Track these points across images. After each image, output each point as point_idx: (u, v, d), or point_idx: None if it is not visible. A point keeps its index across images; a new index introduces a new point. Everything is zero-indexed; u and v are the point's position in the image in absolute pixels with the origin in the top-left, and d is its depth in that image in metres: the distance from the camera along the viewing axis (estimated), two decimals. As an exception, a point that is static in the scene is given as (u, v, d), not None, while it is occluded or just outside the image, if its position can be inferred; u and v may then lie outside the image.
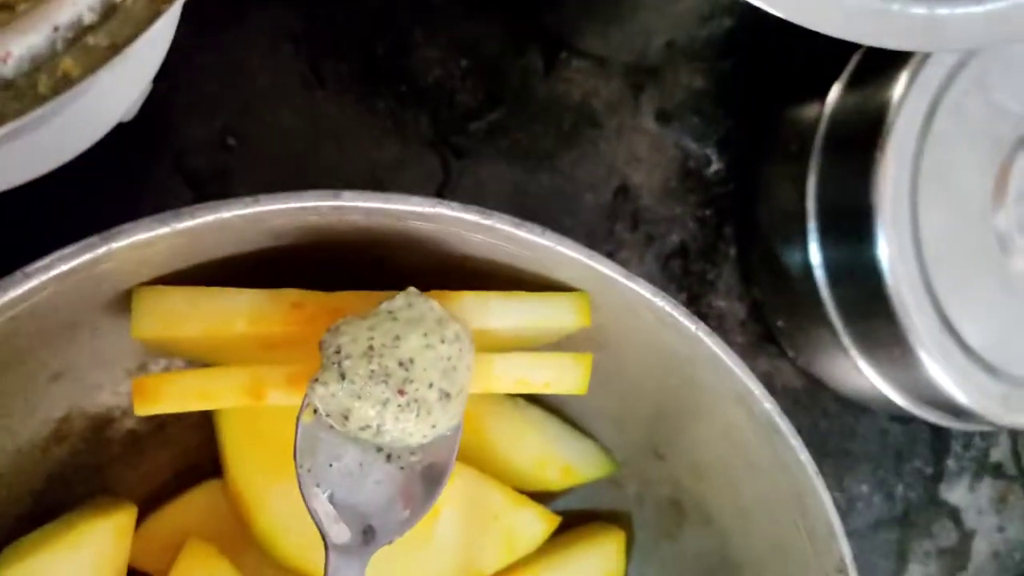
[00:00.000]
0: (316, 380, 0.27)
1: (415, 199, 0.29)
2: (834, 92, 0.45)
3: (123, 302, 0.30)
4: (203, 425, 0.36)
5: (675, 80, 0.47)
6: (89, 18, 0.19)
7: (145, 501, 0.36)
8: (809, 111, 0.46)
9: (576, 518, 0.39)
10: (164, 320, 0.28)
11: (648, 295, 0.31)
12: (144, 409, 0.29)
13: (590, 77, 0.45)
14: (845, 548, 0.32)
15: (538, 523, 0.36)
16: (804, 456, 0.33)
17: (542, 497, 0.38)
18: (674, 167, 0.47)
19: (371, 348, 0.27)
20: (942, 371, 0.43)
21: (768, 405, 0.33)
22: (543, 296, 0.31)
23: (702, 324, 0.32)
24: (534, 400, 0.38)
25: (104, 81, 0.33)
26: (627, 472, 0.39)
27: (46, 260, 0.26)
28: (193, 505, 0.36)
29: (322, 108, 0.41)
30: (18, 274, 0.25)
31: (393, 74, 0.42)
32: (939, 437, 0.52)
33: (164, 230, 0.26)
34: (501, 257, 0.32)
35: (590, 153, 0.46)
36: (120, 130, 0.36)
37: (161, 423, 0.37)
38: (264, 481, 0.33)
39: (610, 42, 0.44)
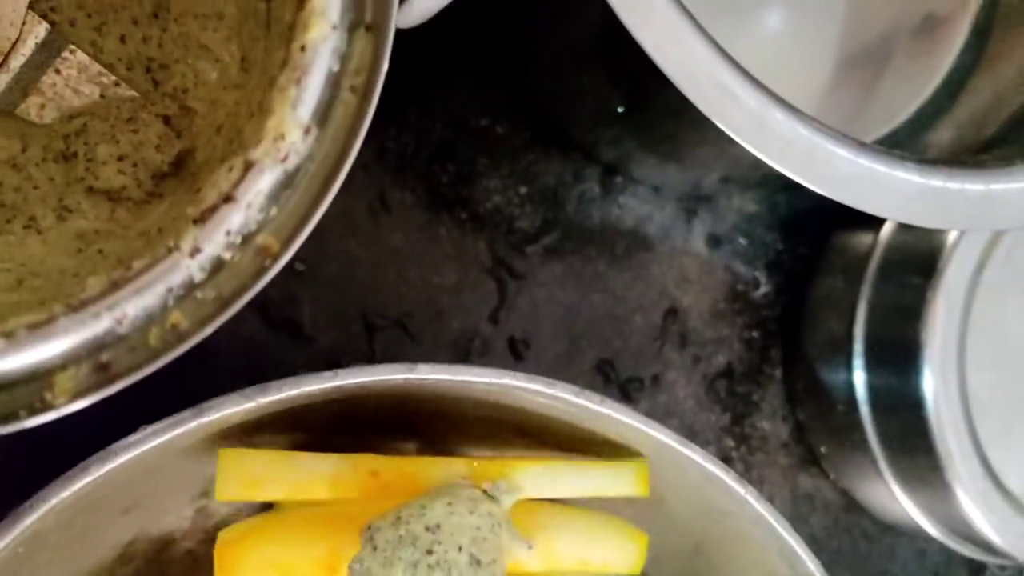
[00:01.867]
0: (352, 560, 0.29)
1: (483, 371, 0.30)
2: (889, 225, 0.46)
3: (199, 450, 0.31)
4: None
5: (727, 205, 0.48)
6: (199, 276, 0.20)
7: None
8: (862, 241, 0.47)
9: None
10: (247, 484, 0.29)
11: (699, 460, 0.33)
12: None
13: (644, 203, 0.47)
14: None
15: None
16: None
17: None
18: (723, 289, 0.48)
19: (399, 518, 0.29)
20: (980, 513, 0.43)
21: (812, 566, 0.34)
22: (605, 466, 0.32)
23: (751, 488, 0.33)
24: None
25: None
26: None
27: (136, 436, 0.27)
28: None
29: (386, 235, 0.43)
30: (109, 451, 0.27)
31: (455, 202, 0.44)
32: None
33: (250, 405, 0.28)
34: (562, 415, 0.33)
35: (642, 275, 0.47)
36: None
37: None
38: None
39: (666, 175, 0.45)
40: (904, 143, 0.44)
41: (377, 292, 0.43)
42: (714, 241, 0.48)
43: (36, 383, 0.19)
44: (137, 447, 0.27)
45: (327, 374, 0.28)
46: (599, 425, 0.33)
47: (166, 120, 0.28)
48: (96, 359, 0.20)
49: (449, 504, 0.29)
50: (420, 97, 0.43)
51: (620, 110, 0.42)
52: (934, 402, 0.43)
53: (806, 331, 0.49)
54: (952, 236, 0.43)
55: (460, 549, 0.29)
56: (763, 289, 0.49)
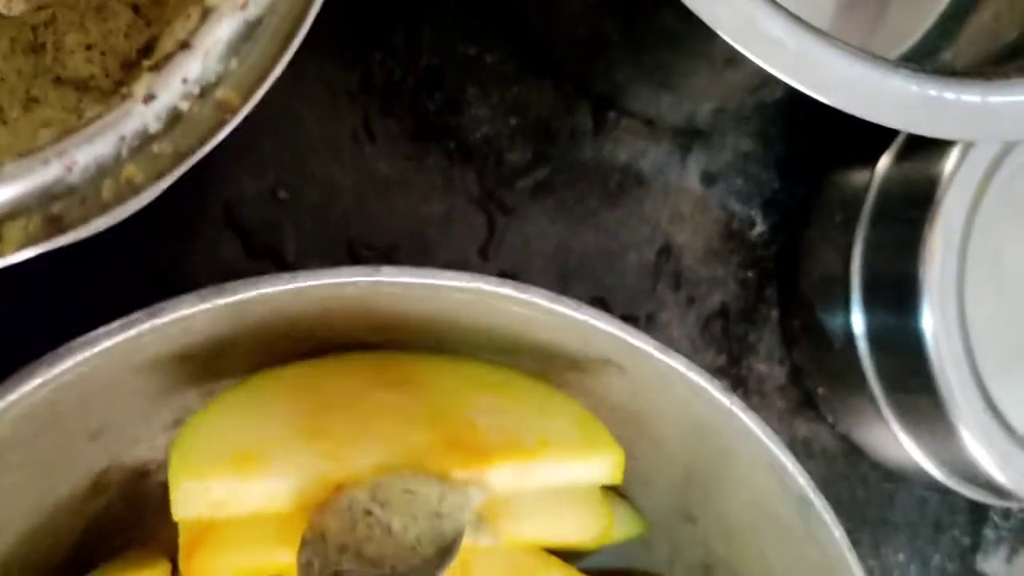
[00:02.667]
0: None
1: (452, 274, 0.29)
2: (884, 161, 0.45)
3: (162, 365, 0.31)
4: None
5: (722, 142, 0.47)
6: (155, 127, 0.19)
7: (176, 552, 0.36)
8: (858, 178, 0.46)
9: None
10: (205, 506, 0.29)
11: (682, 368, 0.31)
12: None
13: (638, 137, 0.46)
14: None
15: (569, 585, 0.36)
16: (838, 532, 0.33)
17: (573, 557, 0.38)
18: (718, 228, 0.47)
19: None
20: (983, 449, 0.42)
21: (802, 480, 0.33)
22: (579, 456, 0.32)
23: (736, 398, 0.32)
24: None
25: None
26: (658, 535, 0.39)
27: (90, 336, 0.26)
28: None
29: (372, 163, 0.42)
30: (62, 350, 0.26)
31: (443, 131, 0.43)
32: (977, 507, 0.52)
33: (205, 306, 0.27)
34: (538, 329, 0.32)
35: (635, 212, 0.46)
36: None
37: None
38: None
39: (660, 106, 0.44)
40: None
41: (362, 222, 0.42)
42: (709, 179, 0.47)
43: (-18, 232, 0.18)
44: (88, 348, 0.26)
45: (286, 275, 0.27)
46: (579, 337, 0.32)
47: (135, 8, 0.28)
48: (47, 211, 0.19)
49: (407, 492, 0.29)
50: (407, 22, 0.42)
51: (614, 38, 0.41)
52: (934, 338, 0.42)
53: (803, 271, 0.48)
54: (949, 166, 0.42)
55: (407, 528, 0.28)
56: (759, 228, 0.48)
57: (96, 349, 0.25)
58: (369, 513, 0.28)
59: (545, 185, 0.44)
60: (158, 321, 0.25)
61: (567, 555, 0.37)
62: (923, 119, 0.32)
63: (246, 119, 0.41)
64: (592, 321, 0.29)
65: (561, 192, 0.45)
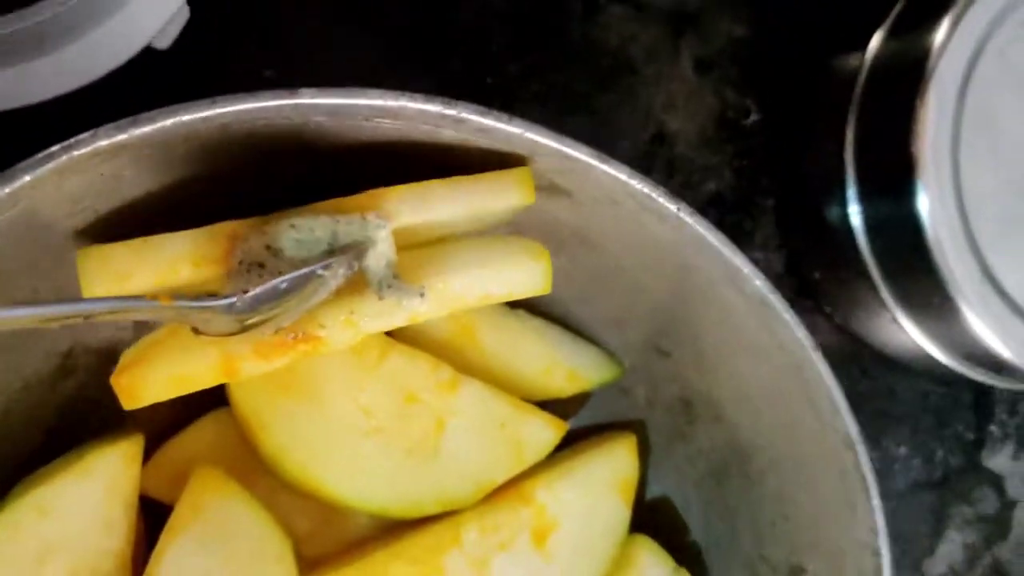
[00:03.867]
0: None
1: (375, 92, 0.28)
2: (875, 40, 0.45)
3: (98, 229, 0.30)
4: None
5: (715, 28, 0.47)
6: None
7: (156, 432, 0.36)
8: (850, 61, 0.45)
9: (587, 431, 0.38)
10: (111, 280, 0.28)
11: (625, 177, 0.30)
12: (132, 406, 0.30)
13: (629, 22, 0.45)
14: (850, 422, 0.31)
15: (546, 430, 0.36)
16: (800, 332, 0.32)
17: (550, 408, 0.37)
18: (712, 116, 0.47)
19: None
20: (983, 323, 0.42)
21: (759, 282, 0.32)
22: (482, 177, 0.30)
23: (684, 204, 0.31)
24: (534, 309, 0.38)
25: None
26: (634, 377, 0.39)
27: (7, 171, 0.26)
28: (202, 434, 0.36)
29: (358, 49, 0.42)
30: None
31: (429, 16, 0.43)
32: (982, 402, 0.51)
33: (121, 136, 0.26)
34: (475, 159, 0.31)
35: (627, 99, 0.46)
36: (156, 59, 0.37)
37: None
38: (268, 402, 0.33)
39: (649, -16, 0.44)
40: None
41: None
42: (702, 66, 0.47)
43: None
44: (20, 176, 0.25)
45: (205, 101, 0.27)
46: (515, 154, 0.30)
47: None
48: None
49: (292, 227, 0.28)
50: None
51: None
52: (930, 215, 0.41)
53: (797, 158, 0.47)
54: (939, 38, 0.41)
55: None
56: (753, 117, 0.47)
57: (13, 185, 0.24)
58: (262, 265, 0.27)
59: (535, 70, 0.44)
60: (75, 153, 0.25)
61: (546, 406, 0.37)
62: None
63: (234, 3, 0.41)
64: (527, 134, 0.28)
65: (551, 76, 0.44)
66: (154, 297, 0.26)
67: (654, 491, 0.41)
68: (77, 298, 0.27)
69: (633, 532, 0.38)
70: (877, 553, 0.32)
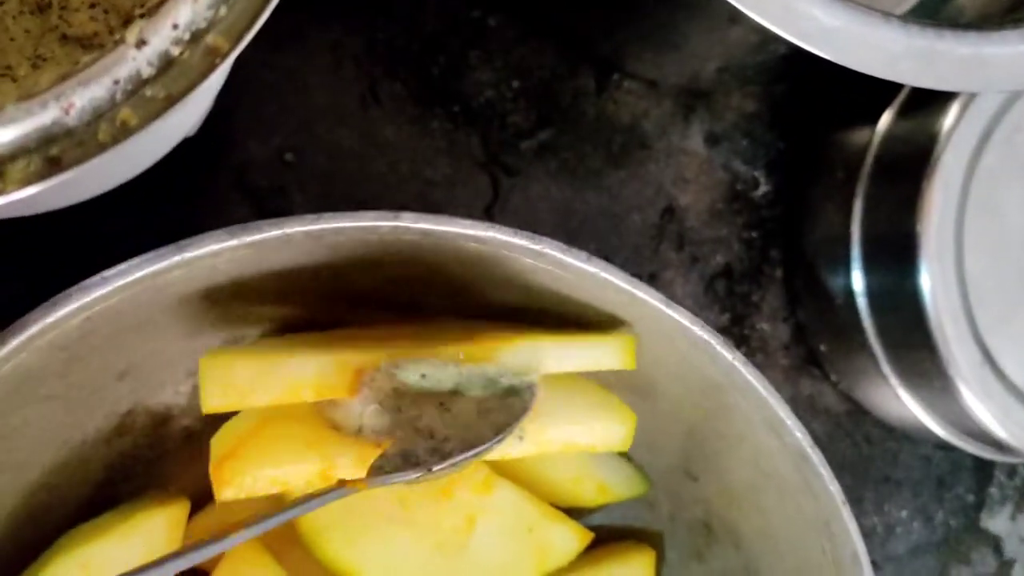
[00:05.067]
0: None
1: (469, 223, 0.30)
2: (885, 119, 0.46)
3: (188, 307, 0.32)
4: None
5: (726, 103, 0.47)
6: (147, 72, 0.20)
7: (197, 497, 0.37)
8: (859, 137, 0.46)
9: (609, 536, 0.39)
10: (232, 394, 0.30)
11: (686, 323, 0.32)
12: (227, 497, 0.31)
13: (641, 99, 0.46)
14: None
15: (572, 538, 0.37)
16: (833, 486, 0.34)
17: (576, 514, 0.39)
18: (722, 189, 0.48)
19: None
20: (981, 404, 0.43)
21: (799, 434, 0.34)
22: (592, 340, 0.33)
23: (738, 353, 0.33)
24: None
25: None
26: (660, 492, 0.40)
27: (124, 266, 0.27)
28: (242, 503, 0.37)
29: (377, 127, 0.43)
30: (97, 277, 0.27)
31: (447, 95, 0.44)
32: (982, 465, 0.52)
33: (233, 242, 0.28)
34: (547, 280, 0.33)
35: (638, 174, 0.47)
36: (183, 146, 0.38)
37: (215, 421, 0.38)
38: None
39: (662, 67, 0.45)
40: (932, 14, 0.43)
41: (368, 185, 0.43)
42: (713, 139, 0.48)
43: (-12, 174, 0.20)
44: (120, 277, 0.27)
45: (310, 217, 0.28)
46: (586, 290, 0.33)
47: (139, -32, 0.28)
48: (46, 152, 0.20)
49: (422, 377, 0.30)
50: (407, -13, 0.43)
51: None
52: (932, 294, 0.42)
53: (805, 230, 0.48)
54: (948, 123, 0.42)
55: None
56: (762, 189, 0.48)
57: (128, 279, 0.26)
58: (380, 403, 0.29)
59: (549, 147, 0.45)
60: (187, 255, 0.26)
61: (571, 512, 0.38)
62: (913, 69, 0.33)
63: (253, 83, 0.42)
64: (602, 273, 0.30)
65: (564, 154, 0.45)
66: (353, 485, 0.28)
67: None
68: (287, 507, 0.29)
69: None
70: None
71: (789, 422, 0.34)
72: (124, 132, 0.20)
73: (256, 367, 0.30)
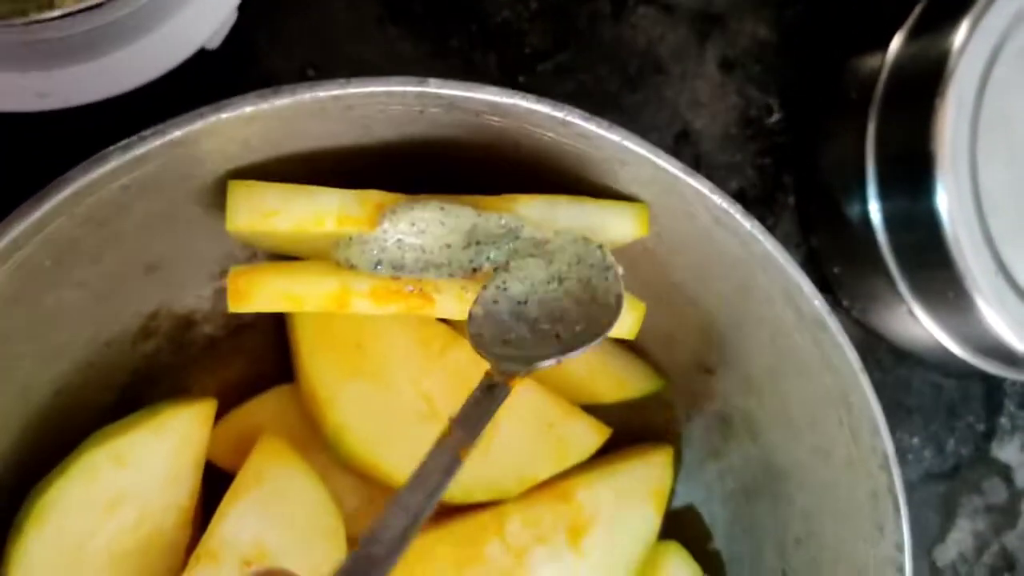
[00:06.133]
0: None
1: (493, 89, 0.30)
2: (896, 41, 0.46)
3: (216, 197, 0.32)
4: (277, 332, 0.38)
5: (740, 28, 0.48)
6: None
7: (221, 403, 0.38)
8: (871, 60, 0.47)
9: (627, 438, 0.40)
10: (257, 214, 0.30)
11: (706, 191, 0.32)
12: (237, 306, 0.31)
13: (656, 23, 0.47)
14: (888, 444, 0.33)
15: (591, 434, 0.37)
16: (851, 354, 0.33)
17: (594, 412, 0.39)
18: (735, 114, 0.48)
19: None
20: (998, 316, 0.43)
21: (817, 302, 0.33)
22: (607, 204, 0.32)
23: (756, 222, 0.33)
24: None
25: (189, 5, 0.35)
26: (676, 391, 0.40)
27: (162, 125, 0.28)
28: (266, 406, 0.38)
29: (396, 44, 0.43)
30: (135, 137, 0.27)
31: (465, 14, 0.44)
32: (993, 395, 0.53)
33: (264, 105, 0.28)
34: (570, 160, 0.33)
35: (653, 98, 0.47)
36: (205, 58, 0.38)
37: (237, 329, 0.39)
38: (335, 380, 0.35)
39: (677, -14, 0.45)
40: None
41: (389, 100, 0.43)
42: (727, 65, 0.48)
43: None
44: (155, 139, 0.27)
45: (339, 81, 0.29)
46: (608, 167, 0.32)
47: None
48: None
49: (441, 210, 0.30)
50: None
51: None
52: (948, 212, 0.43)
53: (819, 156, 0.49)
54: (958, 40, 0.43)
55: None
56: (776, 116, 0.49)
57: (165, 139, 0.26)
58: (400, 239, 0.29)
59: (565, 68, 0.46)
60: (223, 115, 0.26)
61: (589, 410, 0.39)
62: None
63: (276, 1, 0.42)
64: (624, 141, 0.30)
65: (581, 76, 0.46)
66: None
67: (681, 500, 0.42)
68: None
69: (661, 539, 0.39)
70: (901, 569, 0.34)
71: (807, 289, 0.33)
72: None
73: (282, 193, 0.30)
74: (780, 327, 0.34)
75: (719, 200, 0.31)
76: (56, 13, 0.19)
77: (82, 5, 0.19)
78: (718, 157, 0.48)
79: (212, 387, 0.38)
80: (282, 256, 0.34)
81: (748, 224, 0.32)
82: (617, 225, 0.32)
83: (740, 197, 0.49)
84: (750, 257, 0.33)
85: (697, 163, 0.48)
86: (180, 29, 0.36)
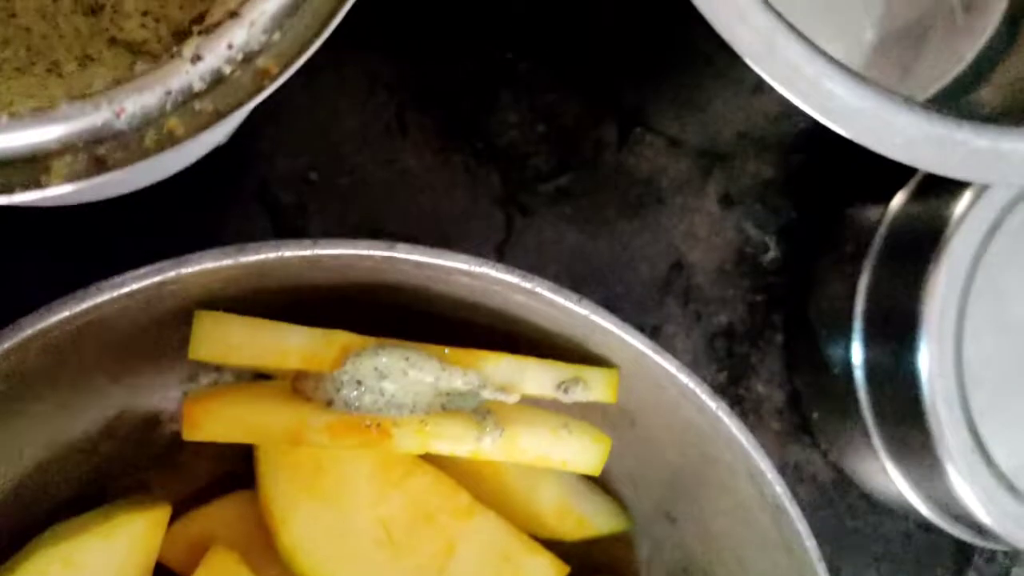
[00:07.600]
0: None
1: (462, 257, 0.30)
2: (898, 198, 0.46)
3: (184, 317, 0.32)
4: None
5: (743, 167, 0.48)
6: (199, 86, 0.21)
7: (179, 503, 0.38)
8: (871, 213, 0.47)
9: (586, 572, 0.40)
10: (221, 346, 0.30)
11: (673, 370, 0.33)
12: (192, 435, 0.31)
13: (660, 155, 0.47)
14: None
15: (548, 570, 0.37)
16: (810, 542, 0.34)
17: (555, 548, 0.39)
18: (731, 250, 0.48)
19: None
20: (968, 488, 0.43)
21: (779, 488, 0.34)
22: (576, 369, 0.33)
23: (723, 404, 0.33)
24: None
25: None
26: (639, 532, 0.40)
27: (119, 278, 0.28)
28: (224, 512, 0.38)
29: (401, 156, 0.44)
30: (92, 288, 0.28)
31: (473, 131, 0.45)
32: (962, 548, 0.52)
33: (228, 262, 0.29)
34: (540, 320, 0.33)
35: (651, 226, 0.47)
36: (211, 154, 0.39)
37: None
38: (293, 497, 0.35)
39: (684, 125, 0.46)
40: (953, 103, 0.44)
41: (386, 210, 0.44)
42: (727, 201, 0.48)
43: (34, 165, 0.20)
44: (115, 289, 0.28)
45: (306, 242, 0.29)
46: (576, 331, 0.33)
47: (193, -19, 0.29)
48: (93, 151, 0.20)
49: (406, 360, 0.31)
50: (449, 23, 0.44)
51: (644, 55, 0.43)
52: (929, 376, 0.43)
53: (810, 299, 0.49)
54: (960, 209, 0.43)
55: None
56: (771, 254, 0.49)
57: (124, 290, 0.26)
58: (360, 383, 0.30)
59: (565, 192, 0.46)
60: (184, 271, 0.27)
61: (550, 545, 0.39)
62: (929, 156, 0.33)
63: (286, 101, 0.43)
64: (591, 316, 0.31)
65: (580, 200, 0.46)
66: None
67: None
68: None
69: None
70: None
71: (770, 475, 0.34)
72: (170, 140, 0.21)
73: (248, 329, 0.30)
74: (742, 499, 0.35)
75: (685, 379, 0.32)
76: (48, 192, 0.20)
77: (74, 186, 0.20)
78: (710, 290, 0.48)
79: (174, 484, 0.38)
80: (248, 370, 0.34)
81: (714, 405, 0.32)
82: (585, 393, 0.33)
83: (729, 332, 0.49)
84: (715, 434, 0.33)
85: (688, 295, 0.48)
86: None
